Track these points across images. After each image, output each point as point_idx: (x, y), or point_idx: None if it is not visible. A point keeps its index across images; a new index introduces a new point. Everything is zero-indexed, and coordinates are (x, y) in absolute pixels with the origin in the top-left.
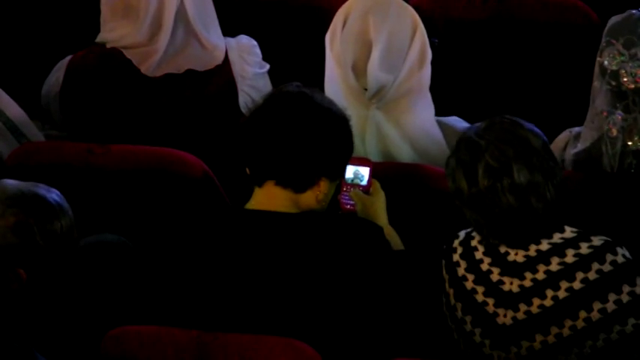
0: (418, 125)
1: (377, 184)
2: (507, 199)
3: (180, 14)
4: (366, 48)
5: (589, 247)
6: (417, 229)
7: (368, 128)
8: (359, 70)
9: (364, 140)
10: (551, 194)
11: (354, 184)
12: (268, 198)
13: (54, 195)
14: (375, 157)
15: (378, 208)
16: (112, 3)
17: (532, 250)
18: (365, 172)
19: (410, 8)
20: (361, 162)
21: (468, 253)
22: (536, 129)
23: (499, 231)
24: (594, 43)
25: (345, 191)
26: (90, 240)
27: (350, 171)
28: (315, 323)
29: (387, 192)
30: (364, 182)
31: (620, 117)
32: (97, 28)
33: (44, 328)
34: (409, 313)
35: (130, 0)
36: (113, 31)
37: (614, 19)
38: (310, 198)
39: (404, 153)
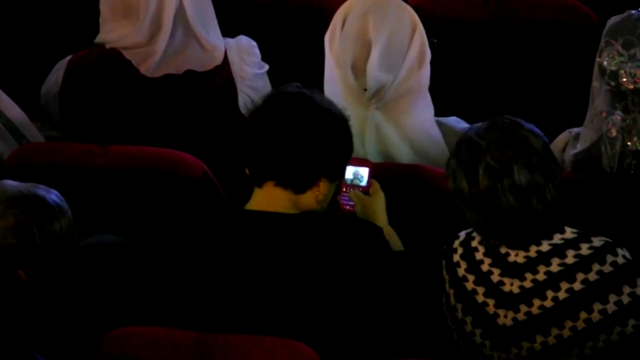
0: (418, 126)
1: (376, 185)
2: (508, 199)
3: (180, 15)
4: (366, 48)
5: (589, 248)
6: (417, 229)
7: (367, 129)
8: (358, 70)
9: (364, 141)
10: (551, 195)
11: (353, 185)
12: (268, 199)
13: (53, 196)
14: (374, 158)
15: (378, 209)
16: (112, 3)
17: (532, 250)
18: (364, 172)
19: (409, 8)
20: (361, 163)
21: (469, 253)
22: (536, 129)
23: (499, 232)
24: (594, 44)
25: (345, 192)
26: (90, 241)
27: (349, 172)
28: (314, 324)
29: (387, 193)
30: (364, 183)
31: (619, 117)
32: (96, 29)
33: (44, 328)
34: (409, 313)
35: (129, 1)
36: (112, 32)
37: (613, 20)
38: (310, 199)
39: (403, 153)
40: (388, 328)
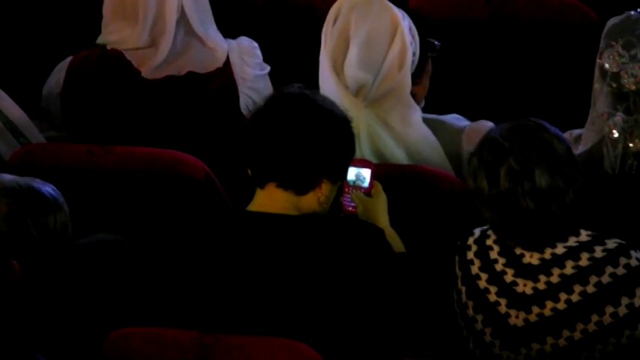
0: (405, 127)
1: (379, 186)
2: (527, 202)
3: (181, 17)
4: (347, 45)
5: (603, 251)
6: (419, 231)
7: (361, 127)
8: (340, 68)
9: (359, 139)
10: (570, 200)
11: (355, 186)
12: (270, 200)
13: (49, 189)
14: (369, 157)
15: (380, 210)
16: (114, 6)
17: (547, 253)
18: (367, 173)
19: (392, 9)
20: (363, 164)
21: (483, 251)
22: (560, 134)
23: (516, 233)
24: (594, 43)
25: (347, 193)
26: (87, 240)
27: (352, 172)
28: (316, 325)
29: (388, 194)
30: (366, 184)
31: (621, 119)
32: (97, 29)
33: (43, 327)
34: (411, 315)
35: (131, 3)
36: (114, 34)
37: (612, 21)
38: (312, 200)
39: (396, 154)
40: (390, 330)
